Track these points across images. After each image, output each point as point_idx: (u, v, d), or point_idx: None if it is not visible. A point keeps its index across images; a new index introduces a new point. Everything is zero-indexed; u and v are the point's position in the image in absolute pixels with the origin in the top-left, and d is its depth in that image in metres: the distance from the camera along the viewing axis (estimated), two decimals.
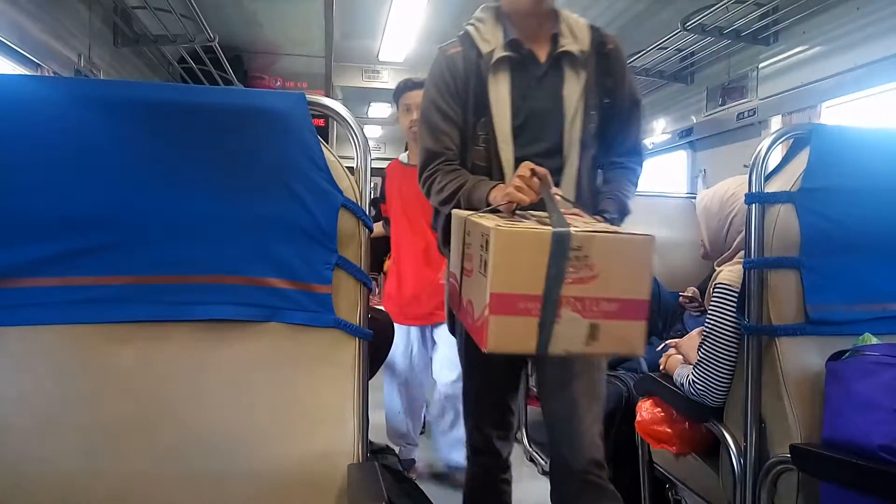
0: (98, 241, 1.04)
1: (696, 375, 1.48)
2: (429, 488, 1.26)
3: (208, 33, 3.17)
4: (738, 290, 1.39)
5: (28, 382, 1.02)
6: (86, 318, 1.04)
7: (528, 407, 3.07)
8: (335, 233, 1.10)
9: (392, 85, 5.37)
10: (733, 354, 1.42)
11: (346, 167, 1.14)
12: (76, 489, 1.00)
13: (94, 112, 1.04)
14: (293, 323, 1.09)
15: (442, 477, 2.72)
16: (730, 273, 1.46)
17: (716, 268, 1.63)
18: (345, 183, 1.12)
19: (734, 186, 1.65)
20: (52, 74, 2.35)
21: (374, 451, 1.17)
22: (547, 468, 2.62)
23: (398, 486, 1.21)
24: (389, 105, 6.33)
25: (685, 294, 2.47)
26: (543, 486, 2.51)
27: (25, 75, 2.22)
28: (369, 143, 1.20)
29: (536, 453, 2.88)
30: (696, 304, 2.41)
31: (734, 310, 1.40)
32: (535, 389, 3.00)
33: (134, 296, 1.05)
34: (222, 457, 1.04)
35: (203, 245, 1.07)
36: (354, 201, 1.12)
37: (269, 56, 4.69)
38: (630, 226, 3.16)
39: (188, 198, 1.07)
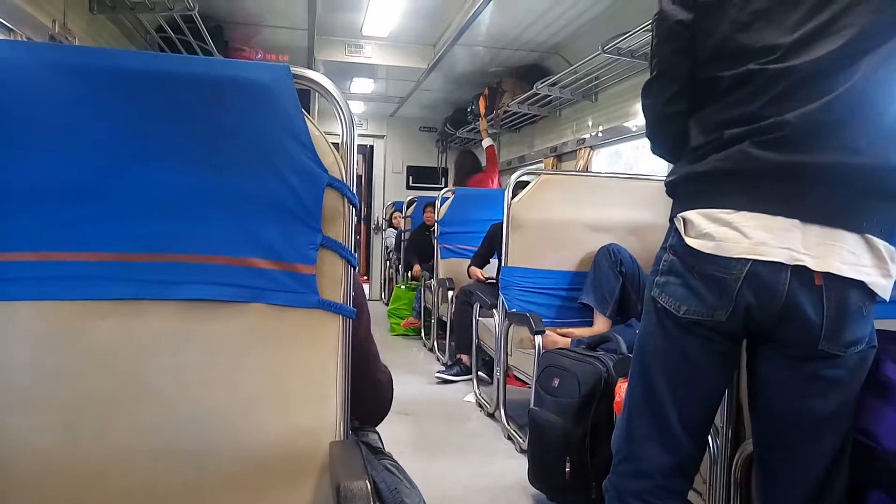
0: (74, 215, 1.01)
1: None
2: (408, 464, 1.28)
3: (188, 2, 3.09)
4: None
5: (1, 357, 0.99)
6: (62, 294, 1.00)
7: (507, 385, 3.11)
8: (320, 213, 1.08)
9: (376, 60, 5.32)
10: None
11: (332, 143, 1.12)
12: (55, 463, 0.98)
13: (70, 79, 1.00)
14: (277, 304, 1.07)
15: (422, 452, 2.75)
16: None
17: None
18: (329, 159, 1.10)
19: None
20: (25, 40, 2.28)
21: (354, 429, 1.18)
22: (524, 446, 2.66)
23: (378, 463, 1.22)
24: (372, 81, 6.25)
25: None
26: (520, 464, 2.55)
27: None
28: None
29: (514, 432, 2.91)
30: None
31: None
32: (514, 370, 3.04)
33: (113, 273, 1.02)
34: (203, 433, 1.04)
35: (184, 222, 1.04)
36: (339, 178, 1.10)
37: (250, 27, 4.59)
38: (611, 208, 3.16)
39: (168, 172, 1.04)
